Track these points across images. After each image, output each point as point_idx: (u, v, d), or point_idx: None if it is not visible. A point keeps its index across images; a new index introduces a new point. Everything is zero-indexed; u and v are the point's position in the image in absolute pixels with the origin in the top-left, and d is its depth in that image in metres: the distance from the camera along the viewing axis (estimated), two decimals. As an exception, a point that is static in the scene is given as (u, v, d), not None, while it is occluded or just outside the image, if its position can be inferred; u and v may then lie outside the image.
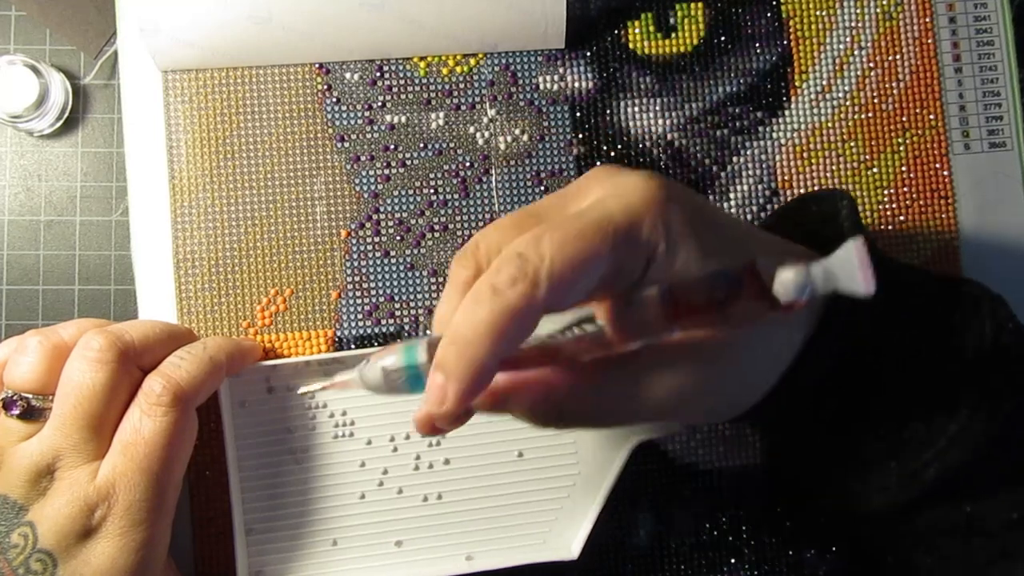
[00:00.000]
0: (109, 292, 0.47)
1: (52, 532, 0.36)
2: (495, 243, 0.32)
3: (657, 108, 0.47)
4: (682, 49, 0.47)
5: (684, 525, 0.45)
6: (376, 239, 0.45)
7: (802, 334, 0.33)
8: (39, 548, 0.36)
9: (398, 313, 0.45)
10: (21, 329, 0.41)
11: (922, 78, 0.47)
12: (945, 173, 0.47)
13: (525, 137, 0.46)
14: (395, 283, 0.45)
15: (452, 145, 0.46)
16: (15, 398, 0.37)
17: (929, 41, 0.47)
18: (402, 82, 0.46)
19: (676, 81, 0.47)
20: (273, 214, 0.45)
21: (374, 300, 0.45)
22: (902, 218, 0.47)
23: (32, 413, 0.38)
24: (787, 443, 0.38)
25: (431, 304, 0.45)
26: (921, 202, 0.47)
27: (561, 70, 0.46)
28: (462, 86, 0.46)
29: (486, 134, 0.46)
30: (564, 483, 0.44)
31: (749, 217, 0.46)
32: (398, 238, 0.45)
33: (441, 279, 0.45)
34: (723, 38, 0.47)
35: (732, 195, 0.46)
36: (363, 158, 0.45)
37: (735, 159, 0.46)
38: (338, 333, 0.45)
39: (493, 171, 0.46)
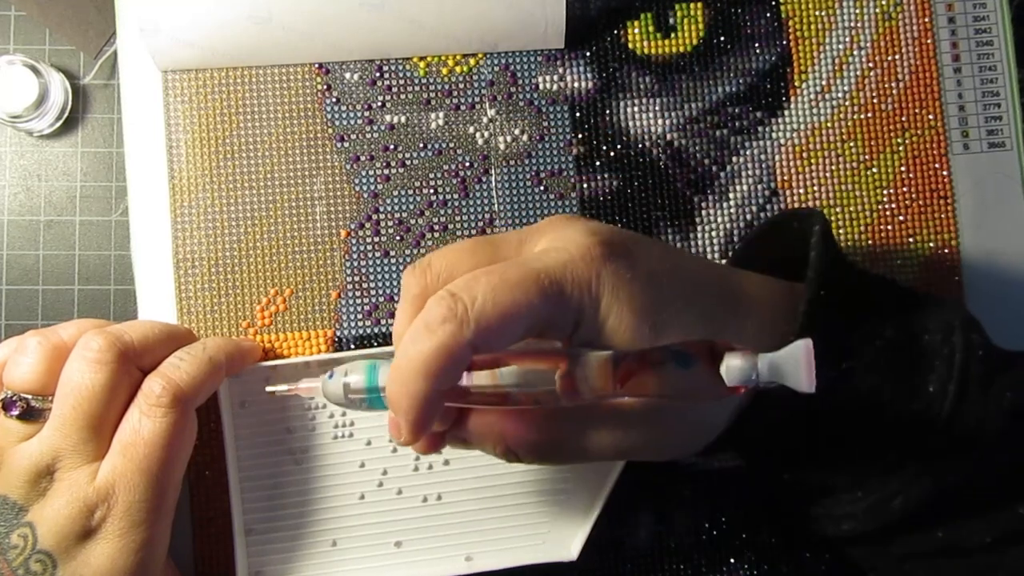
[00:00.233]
0: (109, 292, 0.47)
1: (52, 533, 0.36)
2: (446, 264, 0.34)
3: (657, 108, 0.47)
4: (682, 49, 0.47)
5: (684, 525, 0.45)
6: (376, 239, 0.45)
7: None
8: (39, 549, 0.36)
9: (398, 313, 0.45)
10: (21, 329, 0.41)
11: (921, 78, 0.47)
12: (944, 173, 0.47)
13: (525, 137, 0.46)
14: (395, 283, 0.45)
15: (452, 145, 0.46)
16: (15, 399, 0.37)
17: (928, 41, 0.47)
18: (402, 82, 0.46)
19: (676, 81, 0.47)
20: (273, 214, 0.45)
21: (374, 300, 0.45)
22: (901, 218, 0.47)
23: (32, 414, 0.38)
24: (751, 471, 0.38)
25: (431, 304, 0.45)
26: (920, 202, 0.47)
27: (561, 70, 0.46)
28: (462, 86, 0.46)
29: (486, 134, 0.46)
30: (564, 484, 0.44)
31: (748, 217, 0.46)
32: (398, 238, 0.45)
33: (441, 279, 0.45)
34: (723, 38, 0.47)
35: (731, 195, 0.46)
36: (363, 158, 0.45)
37: (734, 159, 0.46)
38: (338, 333, 0.45)
39: (493, 171, 0.46)
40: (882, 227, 0.46)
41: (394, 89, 0.46)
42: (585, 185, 0.46)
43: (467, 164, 0.46)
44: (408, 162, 0.46)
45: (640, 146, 0.46)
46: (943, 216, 0.47)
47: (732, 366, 0.28)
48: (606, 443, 0.33)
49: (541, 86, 0.46)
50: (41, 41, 0.48)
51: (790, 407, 0.32)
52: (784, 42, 0.47)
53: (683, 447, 0.35)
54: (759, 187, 0.46)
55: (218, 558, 0.44)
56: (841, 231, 0.46)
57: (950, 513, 0.34)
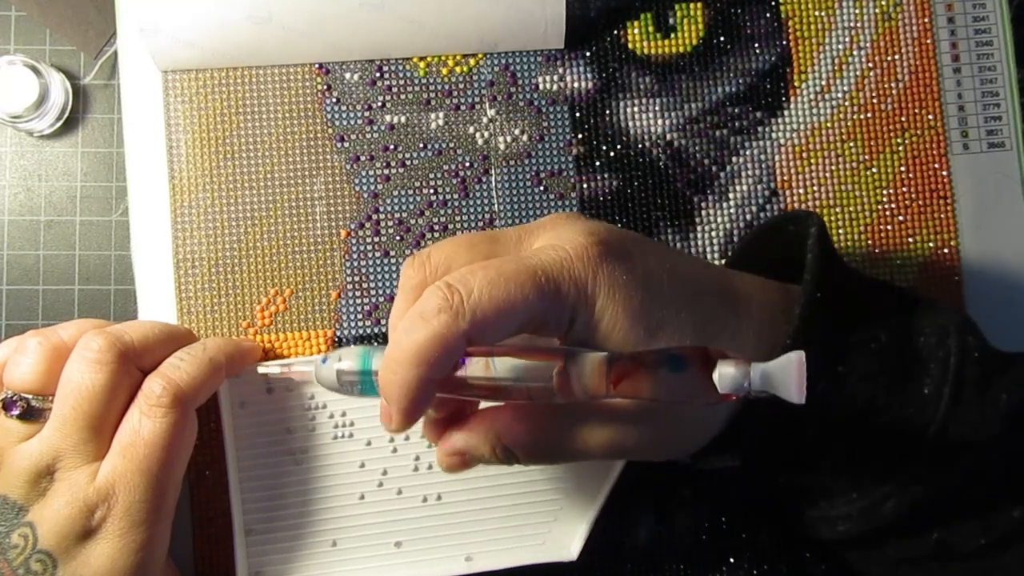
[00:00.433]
0: (109, 292, 0.47)
1: (52, 533, 0.36)
2: (445, 256, 0.34)
3: (656, 108, 0.47)
4: (681, 49, 0.47)
5: (684, 525, 0.45)
6: (376, 239, 0.45)
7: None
8: (39, 549, 0.36)
9: (398, 313, 0.45)
10: (21, 329, 0.41)
11: (921, 78, 0.47)
12: (944, 173, 0.47)
13: (525, 137, 0.46)
14: (395, 283, 0.45)
15: (452, 145, 0.46)
16: (15, 398, 0.37)
17: (928, 41, 0.47)
18: (402, 82, 0.46)
19: (675, 81, 0.47)
20: (273, 214, 0.45)
21: (374, 300, 0.45)
22: (901, 218, 0.47)
23: (32, 414, 0.38)
24: (747, 473, 0.38)
25: (431, 304, 0.45)
26: (920, 202, 0.47)
27: (561, 70, 0.46)
28: (462, 86, 0.46)
29: (486, 134, 0.46)
30: (563, 484, 0.44)
31: (748, 217, 0.46)
32: (398, 238, 0.45)
33: (441, 279, 0.45)
34: (722, 38, 0.47)
35: (731, 195, 0.46)
36: (363, 158, 0.45)
37: (734, 159, 0.46)
38: (338, 333, 0.45)
39: (493, 171, 0.46)
40: (882, 227, 0.46)
41: (394, 89, 0.46)
42: (585, 185, 0.46)
43: (467, 164, 0.46)
44: (408, 162, 0.46)
45: (640, 146, 0.46)
46: (943, 216, 0.47)
47: (725, 374, 0.29)
48: (601, 442, 0.34)
49: (541, 86, 0.46)
50: (41, 41, 0.48)
51: (784, 412, 0.32)
52: (784, 42, 0.47)
53: (678, 447, 0.36)
54: (759, 187, 0.46)
55: (218, 558, 0.44)
56: (840, 231, 0.46)
57: (944, 516, 0.34)
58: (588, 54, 0.46)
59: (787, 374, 0.28)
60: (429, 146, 0.46)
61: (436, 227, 0.45)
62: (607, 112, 0.46)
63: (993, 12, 0.47)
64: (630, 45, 0.47)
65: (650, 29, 0.47)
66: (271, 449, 0.43)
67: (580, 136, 0.46)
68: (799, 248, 0.36)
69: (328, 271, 0.45)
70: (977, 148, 0.47)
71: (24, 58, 0.46)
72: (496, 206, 0.46)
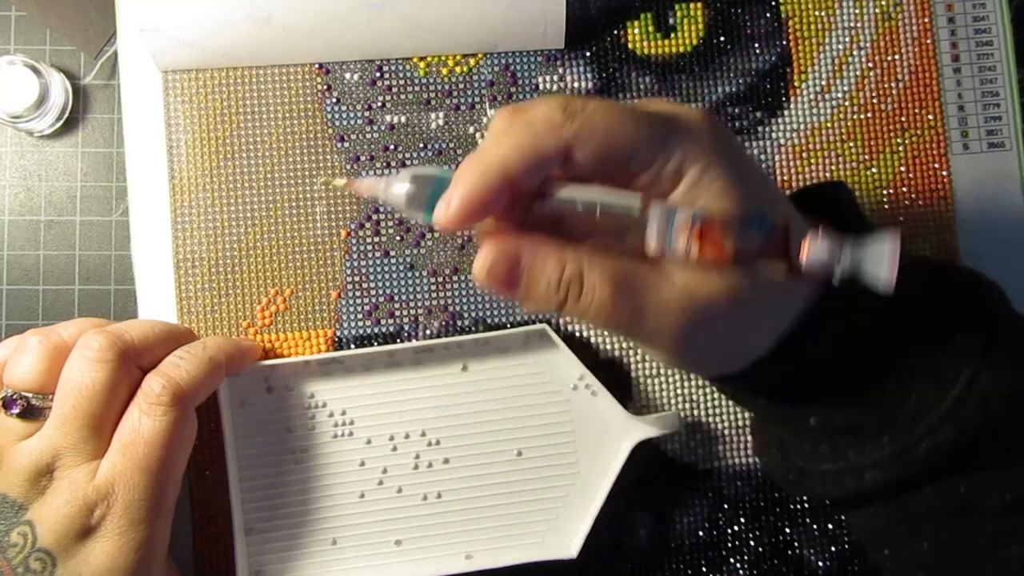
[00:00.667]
0: (109, 292, 0.47)
1: (51, 531, 0.36)
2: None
3: (657, 108, 0.46)
4: (681, 49, 0.47)
5: (684, 525, 0.45)
6: (376, 239, 0.45)
7: (803, 304, 0.34)
8: (38, 547, 0.36)
9: (398, 313, 0.45)
10: (21, 329, 0.41)
11: (921, 78, 0.47)
12: (944, 173, 0.47)
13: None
14: (395, 283, 0.45)
15: (452, 145, 0.46)
16: (15, 397, 0.37)
17: (928, 41, 0.47)
18: (402, 82, 0.46)
19: (675, 81, 0.47)
20: (273, 214, 0.45)
21: (374, 300, 0.45)
22: (901, 218, 0.47)
23: (32, 412, 0.38)
24: (781, 417, 0.38)
25: (431, 304, 0.45)
26: (920, 202, 0.47)
27: (561, 70, 0.46)
28: (462, 86, 0.46)
29: (486, 134, 0.46)
30: (563, 482, 0.44)
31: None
32: (398, 238, 0.45)
33: (441, 279, 0.45)
34: (722, 38, 0.47)
35: (731, 195, 0.46)
36: (363, 158, 0.46)
37: (735, 159, 0.46)
38: (338, 333, 0.45)
39: (493, 171, 0.46)
40: (882, 227, 0.46)
41: (394, 89, 0.46)
42: (585, 185, 0.46)
43: (467, 164, 0.46)
44: (408, 162, 0.46)
45: (640, 146, 0.46)
46: (943, 216, 0.47)
47: (819, 248, 0.28)
48: (672, 308, 0.32)
49: (541, 86, 0.46)
50: (42, 41, 0.48)
51: (840, 327, 0.33)
52: (784, 42, 0.47)
53: (733, 349, 0.34)
54: (759, 187, 0.46)
55: (218, 557, 0.44)
56: (841, 231, 0.46)
57: (970, 466, 0.34)
58: (588, 54, 0.46)
59: (880, 258, 0.27)
60: (429, 146, 0.46)
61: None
62: (607, 112, 0.46)
63: (993, 12, 0.47)
64: (630, 45, 0.47)
65: (650, 29, 0.47)
66: (271, 448, 0.43)
67: (580, 136, 0.46)
68: (829, 206, 0.36)
69: (328, 271, 0.45)
70: (977, 148, 0.47)
71: (24, 58, 0.46)
72: (496, 206, 0.46)
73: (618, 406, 0.44)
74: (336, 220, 0.45)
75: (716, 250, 0.29)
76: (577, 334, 0.46)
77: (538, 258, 0.32)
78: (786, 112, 0.47)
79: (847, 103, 0.47)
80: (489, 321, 0.45)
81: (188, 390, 0.38)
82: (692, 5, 0.47)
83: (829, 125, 0.47)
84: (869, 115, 0.47)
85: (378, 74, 0.46)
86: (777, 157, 0.47)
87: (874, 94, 0.47)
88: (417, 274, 0.45)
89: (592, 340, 0.46)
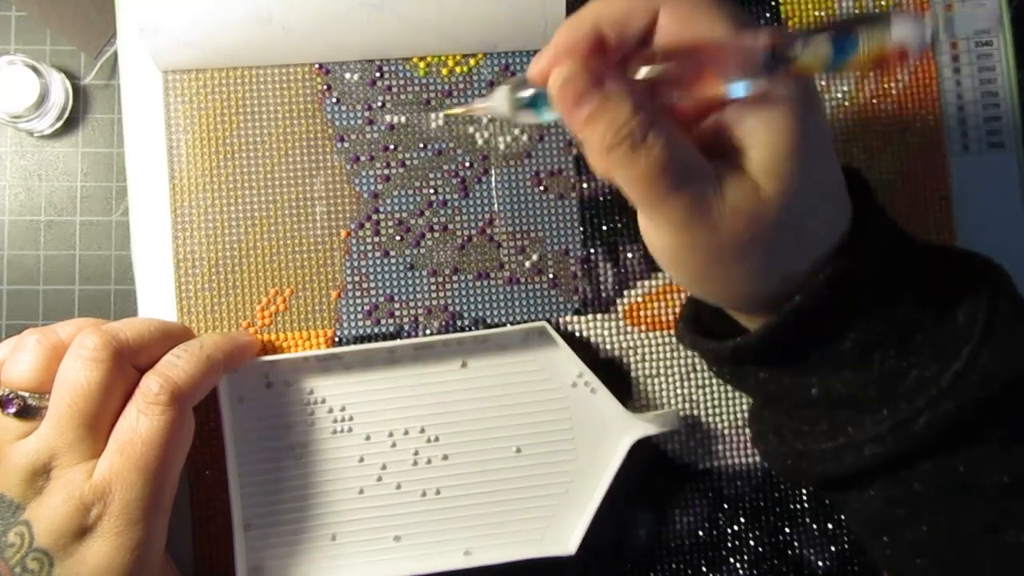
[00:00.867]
0: (109, 292, 0.47)
1: (48, 531, 0.36)
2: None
3: (656, 108, 0.46)
4: (681, 49, 0.47)
5: (684, 525, 0.45)
6: (376, 239, 0.45)
7: (836, 237, 0.35)
8: (35, 547, 0.36)
9: (398, 313, 0.45)
10: (21, 329, 0.41)
11: (921, 79, 0.47)
12: (943, 173, 0.47)
13: (525, 137, 0.46)
14: (395, 283, 0.45)
15: (452, 145, 0.46)
16: (11, 396, 0.37)
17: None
18: (402, 82, 0.46)
19: (675, 81, 0.47)
20: (273, 214, 0.45)
21: (374, 300, 0.45)
22: (900, 219, 0.46)
23: (28, 411, 0.38)
24: (781, 392, 0.38)
25: (431, 304, 0.45)
26: (919, 202, 0.47)
27: (560, 70, 0.46)
28: (462, 86, 0.46)
29: (486, 134, 0.46)
30: (562, 479, 0.44)
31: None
32: (398, 238, 0.45)
33: (441, 279, 0.45)
34: (722, 38, 0.47)
35: (731, 195, 0.46)
36: (363, 158, 0.46)
37: (735, 159, 0.46)
38: (338, 333, 0.45)
39: (493, 171, 0.46)
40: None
41: (394, 89, 0.46)
42: (585, 185, 0.46)
43: (467, 164, 0.46)
44: (408, 162, 0.46)
45: (640, 146, 0.46)
46: (943, 216, 0.47)
47: (904, 27, 0.28)
48: (712, 208, 0.33)
49: (541, 86, 0.46)
50: (42, 41, 0.48)
51: (840, 299, 0.34)
52: (784, 42, 0.47)
53: (765, 266, 0.34)
54: (759, 187, 0.46)
55: (218, 557, 0.44)
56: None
57: (969, 444, 0.34)
58: (588, 54, 0.46)
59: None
60: (429, 146, 0.46)
61: (436, 227, 0.45)
62: (607, 112, 0.46)
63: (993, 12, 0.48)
64: (630, 45, 0.47)
65: (650, 30, 0.47)
66: (270, 444, 0.43)
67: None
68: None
69: (328, 271, 0.45)
70: (976, 148, 0.47)
71: (24, 58, 0.46)
72: (496, 206, 0.46)
73: (617, 404, 0.44)
74: (336, 220, 0.45)
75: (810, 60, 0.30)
76: (577, 333, 0.46)
77: (620, 92, 0.32)
78: (786, 112, 0.47)
79: (847, 103, 0.47)
80: (489, 321, 0.45)
81: (186, 389, 0.38)
82: (692, 5, 0.47)
83: (830, 125, 0.47)
84: (869, 115, 0.47)
85: (378, 74, 0.46)
86: (777, 157, 0.46)
87: (874, 95, 0.47)
88: (417, 274, 0.45)
89: (592, 339, 0.46)
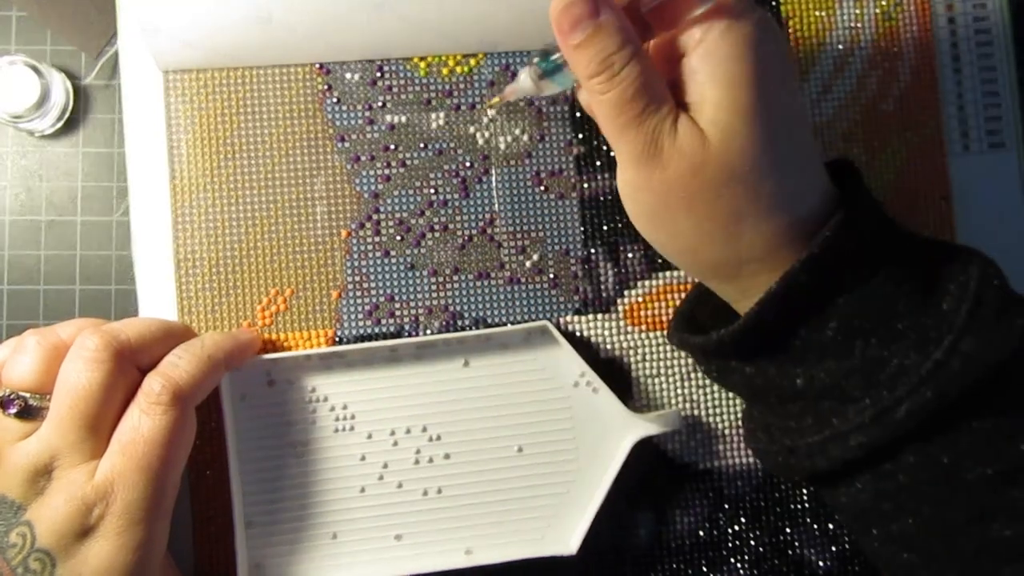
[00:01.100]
0: (110, 292, 0.47)
1: (50, 531, 0.36)
2: None
3: (657, 108, 0.46)
4: (682, 49, 0.47)
5: (684, 525, 0.45)
6: (376, 239, 0.45)
7: (799, 207, 0.36)
8: (37, 547, 0.36)
9: (398, 313, 0.45)
10: (22, 329, 0.41)
11: (921, 78, 0.47)
12: (944, 173, 0.47)
13: (525, 137, 0.46)
14: (395, 283, 0.45)
15: (452, 145, 0.46)
16: (12, 397, 0.37)
17: (928, 41, 0.47)
18: (402, 82, 0.46)
19: (676, 81, 0.47)
20: (273, 214, 0.45)
21: (374, 300, 0.45)
22: (900, 219, 0.46)
23: (29, 412, 0.38)
24: (767, 385, 0.38)
25: (431, 304, 0.45)
26: (920, 202, 0.47)
27: (561, 70, 0.46)
28: (462, 86, 0.46)
29: (486, 134, 0.46)
30: (563, 479, 0.44)
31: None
32: (398, 238, 0.45)
33: (441, 279, 0.45)
34: (723, 38, 0.47)
35: (732, 195, 0.46)
36: (363, 158, 0.46)
37: (735, 159, 0.46)
38: (338, 333, 0.45)
39: (493, 171, 0.46)
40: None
41: (394, 89, 0.46)
42: (585, 185, 0.46)
43: (467, 164, 0.46)
44: (408, 162, 0.46)
45: (640, 146, 0.46)
46: (943, 216, 0.47)
47: None
48: (668, 146, 0.35)
49: (541, 86, 0.46)
50: (42, 41, 0.48)
51: (817, 290, 0.35)
52: (784, 42, 0.47)
53: (715, 218, 0.36)
54: (759, 187, 0.46)
55: (218, 556, 0.44)
56: (841, 231, 0.46)
57: (954, 437, 0.35)
58: (588, 54, 0.46)
59: None
60: (429, 146, 0.46)
61: (436, 227, 0.45)
62: (607, 112, 0.46)
63: (993, 12, 0.48)
64: (630, 45, 0.47)
65: (650, 29, 0.47)
66: (272, 442, 0.43)
67: (580, 136, 0.46)
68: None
69: (328, 271, 0.45)
70: (977, 148, 0.47)
71: (25, 58, 0.46)
72: (496, 206, 0.46)
73: (619, 403, 0.44)
74: (336, 220, 0.45)
75: None
76: (577, 333, 0.46)
77: (612, 23, 0.35)
78: (786, 112, 0.47)
79: (847, 103, 0.47)
80: (489, 321, 0.45)
81: (187, 389, 0.38)
82: (692, 5, 0.47)
83: (830, 125, 0.47)
84: (869, 115, 0.47)
85: (378, 74, 0.46)
86: (777, 157, 0.46)
87: (874, 94, 0.47)
88: (417, 274, 0.45)
89: (592, 339, 0.46)
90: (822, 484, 0.39)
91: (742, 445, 0.46)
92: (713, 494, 0.45)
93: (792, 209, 0.35)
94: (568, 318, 0.46)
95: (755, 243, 0.36)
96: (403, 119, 0.46)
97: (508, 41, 0.46)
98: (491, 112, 0.46)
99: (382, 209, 0.45)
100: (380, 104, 0.46)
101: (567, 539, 0.44)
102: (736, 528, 0.45)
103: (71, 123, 0.48)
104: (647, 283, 0.46)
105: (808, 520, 0.46)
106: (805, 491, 0.46)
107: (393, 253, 0.45)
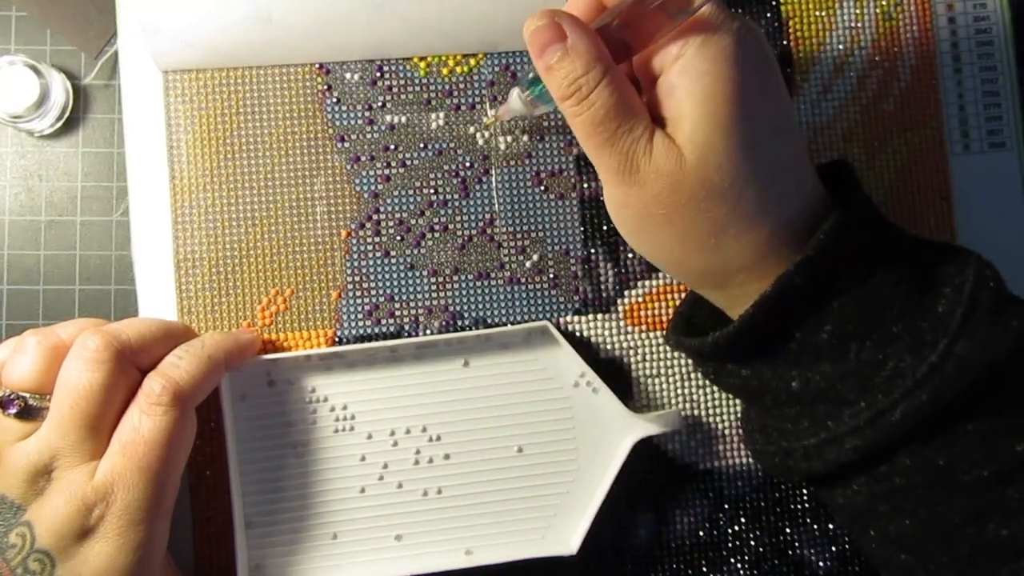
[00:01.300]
0: (109, 292, 0.47)
1: (50, 532, 0.36)
2: None
3: (657, 108, 0.47)
4: (682, 49, 0.47)
5: (684, 525, 0.45)
6: (376, 239, 0.45)
7: (781, 213, 0.36)
8: (37, 548, 0.36)
9: (398, 313, 0.45)
10: (22, 329, 0.41)
11: (922, 78, 0.47)
12: (944, 173, 0.47)
13: (525, 137, 0.46)
14: (395, 283, 0.45)
15: (452, 145, 0.46)
16: (12, 397, 0.37)
17: (928, 41, 0.47)
18: (402, 82, 0.46)
19: (676, 81, 0.47)
20: (273, 214, 0.45)
21: (374, 300, 0.45)
22: (900, 219, 0.47)
23: (29, 412, 0.38)
24: (763, 388, 0.38)
25: (431, 304, 0.45)
26: (920, 202, 0.47)
27: (561, 70, 0.46)
28: (462, 86, 0.46)
29: (486, 134, 0.46)
30: (563, 479, 0.44)
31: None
32: (398, 238, 0.45)
33: (441, 279, 0.45)
34: (723, 38, 0.47)
35: (732, 195, 0.46)
36: (363, 158, 0.46)
37: (735, 159, 0.46)
38: (338, 333, 0.45)
39: (493, 171, 0.46)
40: (882, 227, 0.46)
41: (394, 89, 0.46)
42: (585, 185, 0.46)
43: (467, 164, 0.46)
44: (408, 162, 0.46)
45: (640, 146, 0.46)
46: (943, 216, 0.47)
47: None
48: (644, 163, 0.35)
49: (541, 86, 0.46)
50: (42, 41, 0.48)
51: (815, 294, 0.35)
52: (784, 42, 0.47)
53: (697, 230, 0.36)
54: (759, 187, 0.46)
55: (218, 556, 0.44)
56: (842, 231, 0.46)
57: (950, 439, 0.35)
58: (588, 54, 0.46)
59: None
60: (429, 146, 0.46)
61: (436, 227, 0.45)
62: (607, 112, 0.46)
63: (994, 12, 0.48)
64: (630, 45, 0.47)
65: (650, 29, 0.47)
66: (272, 442, 0.43)
67: (580, 136, 0.46)
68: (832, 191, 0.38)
69: (328, 271, 0.45)
70: (977, 148, 0.47)
71: (25, 58, 0.46)
72: (496, 206, 0.46)
73: (619, 403, 0.44)
74: (336, 220, 0.45)
75: None
76: (577, 333, 0.46)
77: (579, 47, 0.35)
78: (787, 112, 0.47)
79: (848, 103, 0.47)
80: (489, 321, 0.45)
81: (188, 390, 0.38)
82: (692, 5, 0.47)
83: (830, 125, 0.47)
84: (870, 115, 0.47)
85: (378, 74, 0.46)
86: (777, 157, 0.46)
87: (875, 94, 0.47)
88: (417, 274, 0.45)
89: (592, 339, 0.46)
90: (819, 485, 0.39)
91: (742, 445, 0.46)
92: (713, 494, 0.45)
93: (777, 216, 0.36)
94: (568, 318, 0.46)
95: (741, 253, 0.36)
96: (403, 119, 0.46)
97: (508, 41, 0.46)
98: (486, 133, 0.46)
99: (382, 209, 0.45)
100: (380, 104, 0.46)
101: (567, 539, 0.44)
102: (736, 528, 0.45)
103: (71, 123, 0.48)
104: (647, 283, 0.46)
105: (808, 520, 0.46)
106: (805, 491, 0.46)
107: (393, 253, 0.45)
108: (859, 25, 0.47)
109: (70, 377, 0.37)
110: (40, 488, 0.37)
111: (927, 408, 0.34)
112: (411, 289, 0.45)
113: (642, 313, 0.46)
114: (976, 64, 0.48)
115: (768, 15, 0.47)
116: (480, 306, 0.45)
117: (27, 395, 0.38)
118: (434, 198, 0.46)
